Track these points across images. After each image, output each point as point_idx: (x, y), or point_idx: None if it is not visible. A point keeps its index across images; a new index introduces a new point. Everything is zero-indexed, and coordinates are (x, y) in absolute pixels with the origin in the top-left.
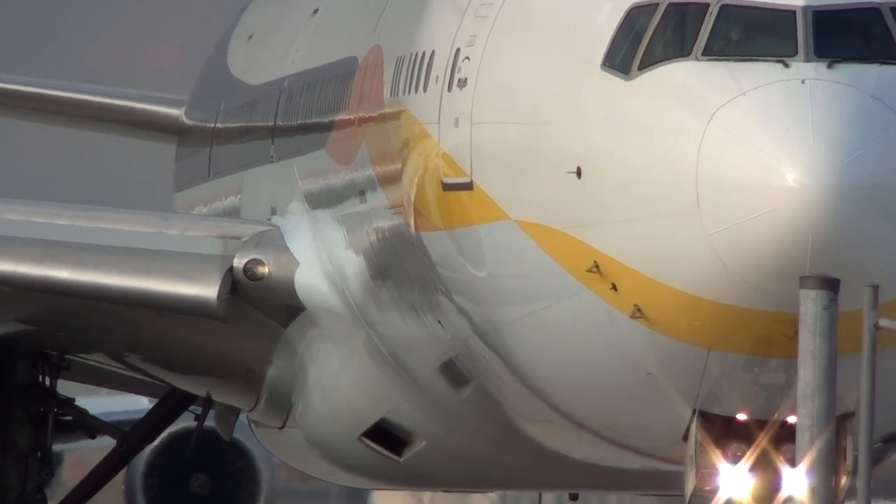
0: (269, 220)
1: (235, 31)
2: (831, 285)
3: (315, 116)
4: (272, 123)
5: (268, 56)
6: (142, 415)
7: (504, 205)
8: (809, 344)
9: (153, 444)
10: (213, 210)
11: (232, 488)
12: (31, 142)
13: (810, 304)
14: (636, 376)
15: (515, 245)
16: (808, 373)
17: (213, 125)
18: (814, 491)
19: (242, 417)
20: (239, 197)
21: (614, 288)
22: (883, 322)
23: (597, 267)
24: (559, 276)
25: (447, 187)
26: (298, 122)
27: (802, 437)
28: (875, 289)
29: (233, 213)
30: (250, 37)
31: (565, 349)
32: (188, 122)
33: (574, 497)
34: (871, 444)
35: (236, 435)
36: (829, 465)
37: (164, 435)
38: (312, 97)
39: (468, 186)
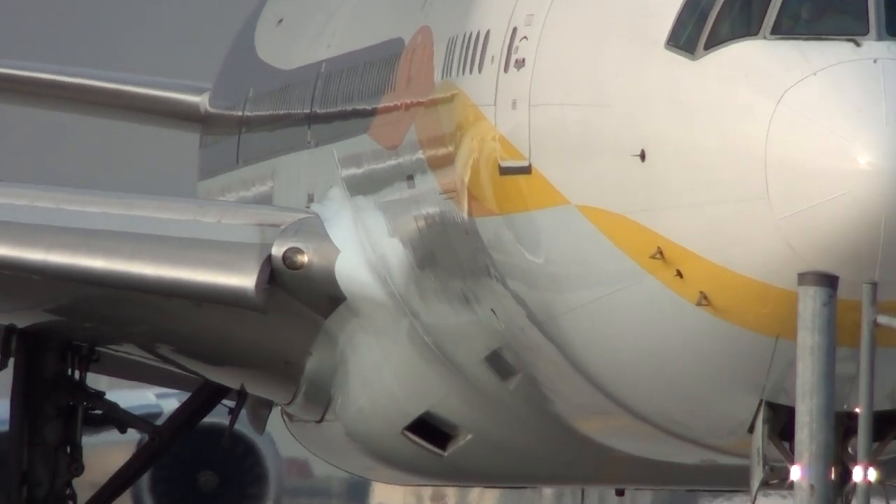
0: (308, 207)
1: (262, 16)
2: (830, 282)
3: (357, 100)
4: (309, 108)
5: (301, 40)
6: (152, 409)
7: (564, 189)
8: (808, 340)
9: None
10: (242, 198)
11: (239, 484)
12: (36, 129)
13: (809, 301)
14: (701, 366)
15: (576, 231)
16: (806, 369)
17: (241, 112)
18: (812, 488)
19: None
20: (271, 184)
21: (679, 275)
22: (882, 319)
23: (661, 253)
24: (621, 263)
25: (504, 171)
26: (338, 106)
27: (801, 433)
28: (874, 286)
29: (264, 201)
30: (280, 21)
31: (627, 338)
32: (212, 109)
33: (620, 493)
34: (870, 442)
35: (245, 431)
36: (827, 462)
37: None
38: (353, 81)
39: (526, 170)
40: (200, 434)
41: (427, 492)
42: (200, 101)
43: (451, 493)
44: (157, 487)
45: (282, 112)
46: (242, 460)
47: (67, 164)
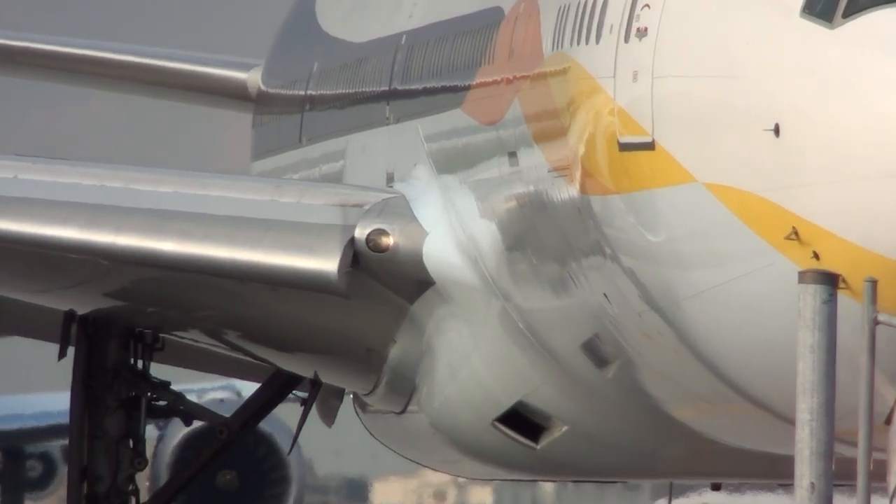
0: (389, 186)
1: None
2: (830, 280)
3: (447, 74)
4: (387, 83)
5: (375, 11)
6: None
7: (691, 166)
8: (808, 338)
9: (183, 436)
10: (306, 177)
11: (260, 485)
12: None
13: (809, 299)
14: (839, 354)
15: (704, 211)
16: (807, 367)
17: (304, 88)
18: (813, 486)
19: (277, 412)
20: (342, 162)
21: (816, 257)
22: (882, 317)
23: (796, 234)
24: (753, 244)
25: (624, 147)
26: (424, 80)
27: (802, 432)
28: (874, 283)
29: (333, 180)
30: None
31: (756, 323)
32: (267, 87)
33: (717, 487)
34: (871, 440)
35: (268, 429)
36: (828, 460)
37: (193, 427)
38: (442, 53)
39: (649, 146)
40: None
41: (428, 491)
42: (248, 77)
43: (451, 491)
44: None
45: (354, 87)
46: (264, 460)
47: (107, 145)
